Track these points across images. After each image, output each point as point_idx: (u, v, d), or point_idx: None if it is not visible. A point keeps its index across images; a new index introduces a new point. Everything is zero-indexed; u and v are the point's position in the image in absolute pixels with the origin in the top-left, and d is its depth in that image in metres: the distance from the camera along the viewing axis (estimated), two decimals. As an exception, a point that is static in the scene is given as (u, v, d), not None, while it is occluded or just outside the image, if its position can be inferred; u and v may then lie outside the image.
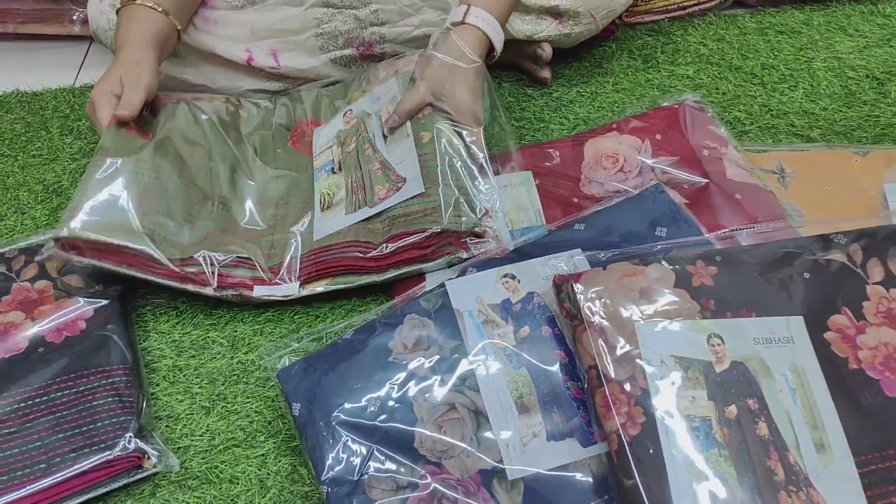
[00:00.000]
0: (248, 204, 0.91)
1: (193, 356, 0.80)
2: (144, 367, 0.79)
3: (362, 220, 0.84)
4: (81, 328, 0.78)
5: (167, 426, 0.75)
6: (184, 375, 0.79)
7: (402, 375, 0.69)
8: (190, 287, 0.81)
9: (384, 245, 0.81)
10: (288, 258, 0.84)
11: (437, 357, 0.70)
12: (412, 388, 0.68)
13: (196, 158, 0.90)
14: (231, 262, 0.83)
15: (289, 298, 0.82)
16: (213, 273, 0.81)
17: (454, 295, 0.74)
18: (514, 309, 0.73)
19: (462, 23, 0.87)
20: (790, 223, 0.80)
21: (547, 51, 1.07)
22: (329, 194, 0.90)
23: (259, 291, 0.82)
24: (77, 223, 0.77)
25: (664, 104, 0.97)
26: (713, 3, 1.23)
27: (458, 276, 0.76)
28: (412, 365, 0.70)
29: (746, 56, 1.14)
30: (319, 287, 0.82)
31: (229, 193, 0.90)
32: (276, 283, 0.82)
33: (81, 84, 1.22)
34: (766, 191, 0.85)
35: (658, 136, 0.92)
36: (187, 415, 0.75)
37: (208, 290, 0.81)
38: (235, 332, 0.82)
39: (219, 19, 1.01)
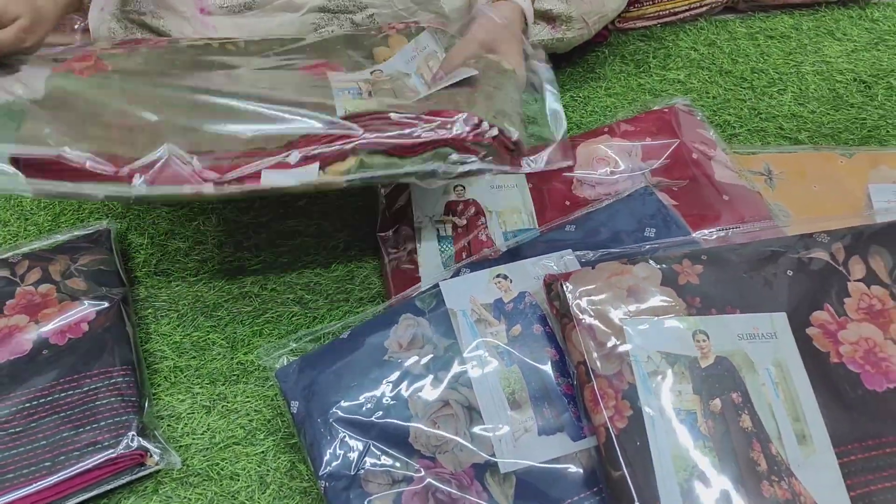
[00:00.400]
0: (244, 104, 0.74)
1: (194, 357, 0.82)
2: (146, 369, 0.81)
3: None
4: (84, 330, 0.80)
5: (169, 425, 0.76)
6: (185, 376, 0.81)
7: (397, 373, 0.71)
8: (187, 189, 0.67)
9: (420, 120, 0.70)
10: (303, 133, 0.70)
11: (432, 355, 0.72)
12: (407, 386, 0.70)
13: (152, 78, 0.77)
14: (233, 154, 0.69)
15: (306, 185, 0.69)
16: (197, 166, 0.67)
17: (448, 295, 0.76)
18: (507, 308, 0.74)
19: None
20: (776, 223, 0.82)
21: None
22: (356, 109, 0.75)
23: (268, 179, 0.68)
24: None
25: (655, 108, 0.99)
26: (704, 9, 1.25)
27: (451, 277, 0.78)
28: (407, 363, 0.72)
29: (736, 60, 1.17)
30: (344, 167, 0.69)
31: (223, 95, 0.75)
32: (289, 166, 0.68)
33: (83, 92, 1.25)
34: (753, 192, 0.87)
35: (648, 140, 0.94)
36: (188, 414, 0.77)
37: (207, 188, 0.67)
38: (235, 333, 0.84)
39: (217, 24, 1.03)
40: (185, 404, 0.78)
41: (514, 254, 0.80)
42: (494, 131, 0.71)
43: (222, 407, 0.78)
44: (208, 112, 0.73)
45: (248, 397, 0.78)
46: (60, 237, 0.90)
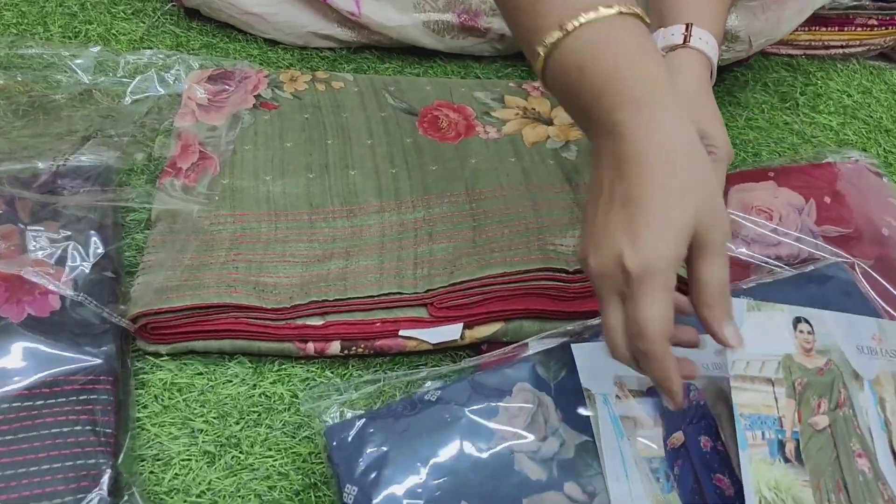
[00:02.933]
0: (377, 207, 0.67)
1: (201, 374, 0.58)
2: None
3: (547, 243, 0.62)
4: (53, 308, 0.55)
5: (152, 473, 0.52)
6: (184, 400, 0.57)
7: (508, 472, 0.49)
8: (311, 349, 0.59)
9: (577, 279, 0.60)
10: (448, 282, 0.60)
11: (556, 452, 0.50)
12: (523, 495, 0.48)
13: (291, 172, 0.70)
14: (362, 303, 0.60)
15: (445, 346, 0.60)
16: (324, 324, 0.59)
17: (583, 366, 0.53)
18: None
19: (683, 45, 0.65)
20: None
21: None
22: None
23: (405, 335, 0.59)
24: (137, 299, 0.58)
25: (831, 160, 0.78)
26: (860, 49, 1.05)
27: (587, 339, 0.56)
28: (524, 463, 0.49)
29: (898, 118, 0.97)
30: (488, 332, 0.60)
31: (349, 197, 0.68)
32: (428, 324, 0.59)
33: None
34: (958, 291, 0.67)
35: (827, 199, 0.74)
36: (182, 460, 0.53)
37: (334, 348, 0.59)
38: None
39: None
40: (180, 443, 0.54)
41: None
42: None
43: (232, 458, 0.54)
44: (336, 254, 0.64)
45: (269, 449, 0.55)
46: (41, 164, 0.65)
